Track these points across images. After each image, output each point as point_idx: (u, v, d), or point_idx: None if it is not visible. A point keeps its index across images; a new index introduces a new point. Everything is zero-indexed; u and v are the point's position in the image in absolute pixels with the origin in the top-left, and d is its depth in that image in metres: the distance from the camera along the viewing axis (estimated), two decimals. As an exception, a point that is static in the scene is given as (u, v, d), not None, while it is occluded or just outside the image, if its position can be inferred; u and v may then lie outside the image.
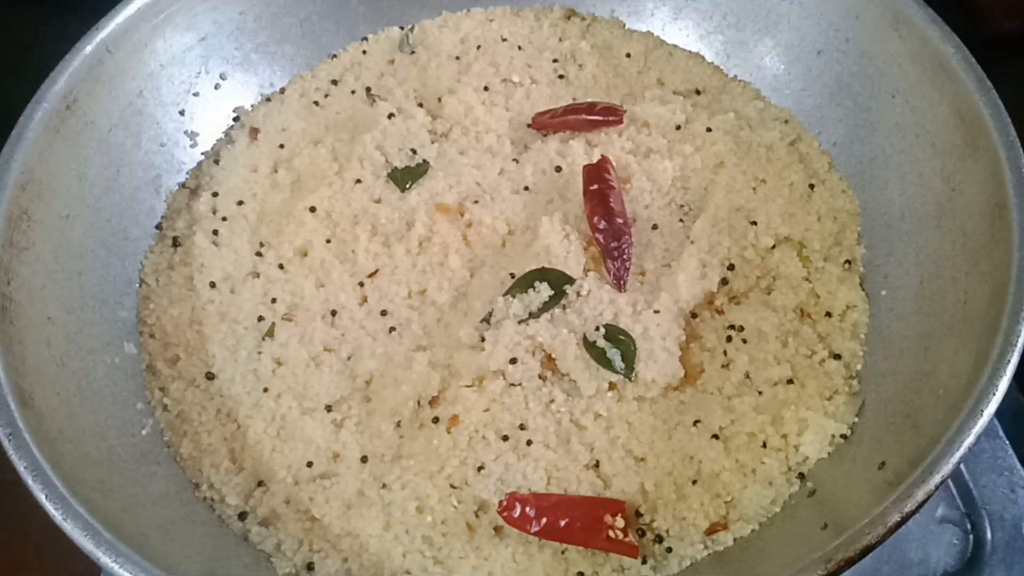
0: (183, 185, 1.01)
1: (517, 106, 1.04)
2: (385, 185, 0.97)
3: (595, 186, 0.93)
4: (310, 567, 0.79)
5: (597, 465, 0.82)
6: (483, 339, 0.87)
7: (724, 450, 0.83)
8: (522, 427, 0.83)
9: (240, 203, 0.99)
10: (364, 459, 0.83)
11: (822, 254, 0.93)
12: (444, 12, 1.12)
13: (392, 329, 0.89)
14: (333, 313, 0.91)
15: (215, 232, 0.97)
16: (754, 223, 0.94)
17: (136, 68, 0.97)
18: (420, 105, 1.05)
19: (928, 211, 0.88)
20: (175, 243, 0.97)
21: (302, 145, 1.03)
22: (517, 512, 0.78)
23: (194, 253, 0.95)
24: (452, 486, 0.81)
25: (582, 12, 1.13)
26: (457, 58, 1.09)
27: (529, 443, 0.83)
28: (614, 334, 0.86)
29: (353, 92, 1.07)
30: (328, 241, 0.95)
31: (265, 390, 0.88)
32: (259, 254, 0.96)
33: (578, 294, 0.89)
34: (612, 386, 0.85)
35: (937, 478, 0.67)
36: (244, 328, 0.91)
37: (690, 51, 1.09)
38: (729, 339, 0.88)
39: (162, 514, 0.79)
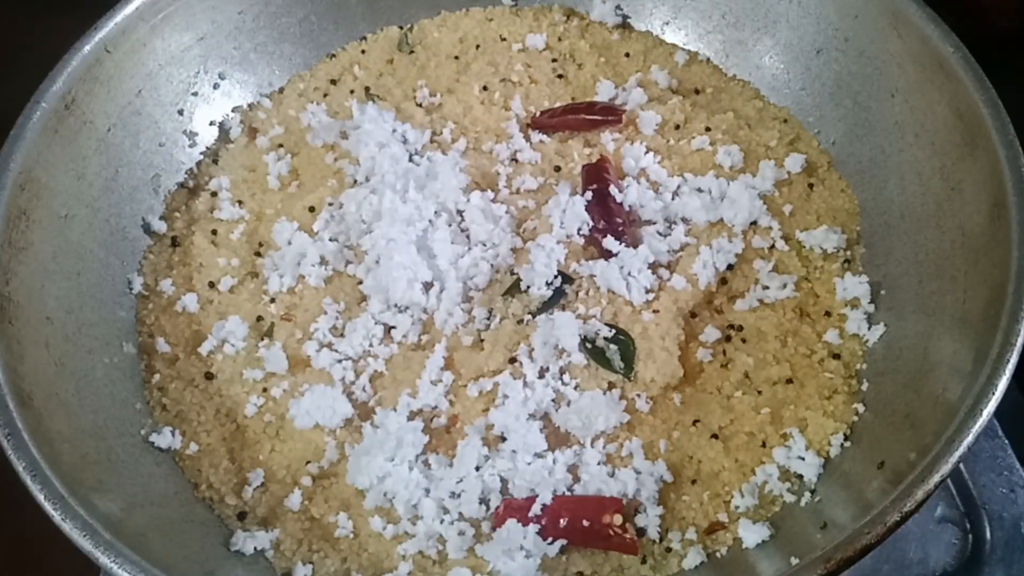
0: (182, 185, 1.01)
1: (516, 106, 1.03)
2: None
3: (594, 186, 0.93)
4: (309, 567, 0.79)
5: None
6: (482, 339, 0.87)
7: (723, 449, 0.83)
8: (520, 427, 0.83)
9: (239, 203, 0.99)
10: (363, 459, 0.83)
11: (821, 254, 0.93)
12: (443, 11, 1.12)
13: (391, 328, 0.89)
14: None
15: (214, 232, 0.97)
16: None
17: (135, 68, 0.96)
18: (419, 105, 1.05)
19: (927, 210, 0.88)
20: (174, 243, 0.97)
21: (301, 145, 1.03)
22: (516, 512, 0.78)
23: (193, 253, 0.95)
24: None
25: (581, 12, 1.13)
26: (456, 57, 1.09)
27: (528, 443, 0.82)
28: (613, 334, 0.86)
29: (352, 92, 1.07)
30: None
31: (264, 390, 0.88)
32: (258, 254, 0.95)
33: (577, 294, 0.89)
34: (611, 385, 0.85)
35: (936, 477, 0.67)
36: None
37: (689, 50, 1.09)
38: (728, 339, 0.88)
39: (161, 514, 0.79)
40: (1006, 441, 0.93)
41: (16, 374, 0.76)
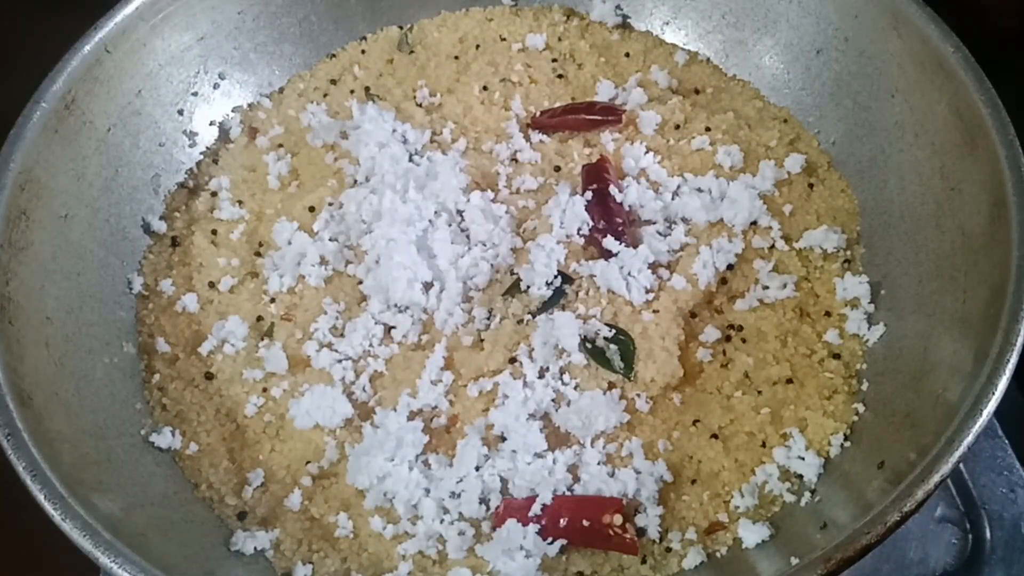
0: (182, 185, 1.01)
1: (516, 106, 1.03)
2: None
3: (594, 186, 0.93)
4: (309, 567, 0.79)
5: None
6: (482, 339, 0.87)
7: (723, 449, 0.83)
8: (520, 427, 0.83)
9: (239, 203, 0.99)
10: (363, 459, 0.83)
11: (821, 254, 0.93)
12: (443, 11, 1.12)
13: (391, 328, 0.89)
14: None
15: (214, 232, 0.97)
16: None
17: (135, 68, 0.96)
18: (419, 105, 1.05)
19: (927, 210, 0.88)
20: (174, 243, 0.97)
21: (301, 145, 1.03)
22: (516, 512, 0.78)
23: (193, 253, 0.95)
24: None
25: (581, 12, 1.13)
26: (456, 58, 1.09)
27: (528, 443, 0.82)
28: (613, 334, 0.86)
29: (352, 92, 1.07)
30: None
31: (264, 390, 0.88)
32: (258, 254, 0.96)
33: (577, 294, 0.89)
34: (611, 385, 0.85)
35: (936, 477, 0.67)
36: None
37: (689, 50, 1.09)
38: (728, 339, 0.88)
39: (161, 514, 0.79)
40: (1006, 441, 0.93)
41: (16, 374, 0.76)
